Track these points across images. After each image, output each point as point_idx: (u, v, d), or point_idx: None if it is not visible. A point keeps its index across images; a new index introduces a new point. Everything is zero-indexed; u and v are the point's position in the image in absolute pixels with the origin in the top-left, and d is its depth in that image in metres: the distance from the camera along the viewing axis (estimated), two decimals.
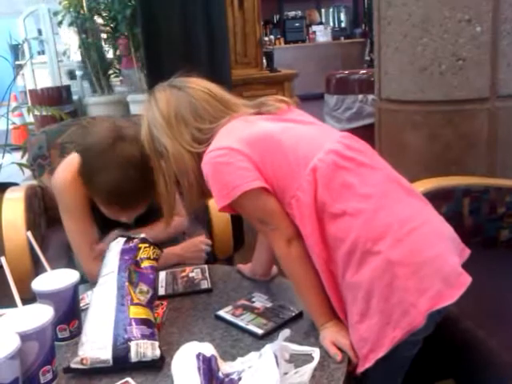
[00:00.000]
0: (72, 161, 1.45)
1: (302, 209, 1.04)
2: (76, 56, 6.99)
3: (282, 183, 1.06)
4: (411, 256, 0.99)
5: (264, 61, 4.62)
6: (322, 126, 1.20)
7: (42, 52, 7.39)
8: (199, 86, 1.18)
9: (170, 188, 1.18)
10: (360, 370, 1.00)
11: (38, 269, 1.31)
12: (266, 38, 8.18)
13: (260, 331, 1.10)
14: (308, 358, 1.00)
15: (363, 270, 0.99)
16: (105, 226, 1.43)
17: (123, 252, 1.16)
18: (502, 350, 1.16)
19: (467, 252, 1.10)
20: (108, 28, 6.27)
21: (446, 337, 1.30)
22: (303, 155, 1.06)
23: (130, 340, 1.01)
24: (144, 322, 1.05)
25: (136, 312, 1.06)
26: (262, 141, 1.09)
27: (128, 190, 1.26)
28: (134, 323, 1.04)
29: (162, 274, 1.38)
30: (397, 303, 0.97)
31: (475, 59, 1.97)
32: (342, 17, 11.42)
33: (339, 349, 1.02)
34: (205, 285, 1.34)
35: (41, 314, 0.96)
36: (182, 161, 1.13)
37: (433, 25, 2.00)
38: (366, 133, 2.68)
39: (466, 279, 1.00)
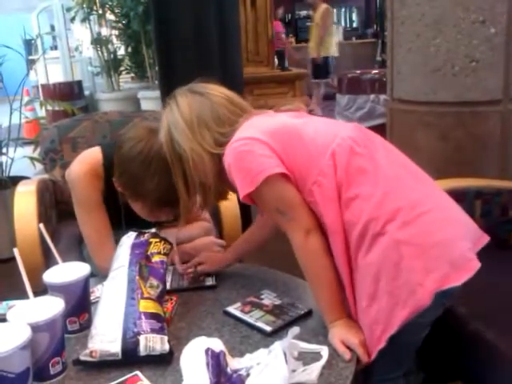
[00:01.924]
0: (89, 154, 1.46)
1: (324, 193, 1.05)
2: (88, 52, 7.04)
3: (303, 171, 1.08)
4: (418, 237, 1.01)
5: (276, 59, 4.63)
6: (336, 120, 1.23)
7: (54, 47, 7.43)
8: (218, 92, 1.20)
9: (189, 190, 1.20)
10: (373, 353, 1.01)
11: (48, 261, 1.32)
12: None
13: (268, 328, 1.10)
14: (316, 356, 1.00)
15: (372, 252, 1.01)
16: (128, 224, 1.43)
17: (134, 246, 1.17)
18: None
19: (485, 239, 1.11)
20: (120, 25, 6.30)
21: (455, 337, 1.30)
22: (322, 143, 1.09)
23: (139, 334, 1.01)
24: (153, 316, 1.06)
25: (146, 306, 1.06)
26: (282, 132, 1.12)
27: (174, 195, 1.26)
28: (143, 317, 1.04)
29: (170, 269, 1.39)
30: (404, 283, 0.99)
31: (489, 61, 1.96)
32: (354, 17, 11.40)
33: (348, 348, 1.02)
34: (210, 281, 1.34)
35: (52, 306, 0.97)
36: (202, 162, 1.14)
37: (446, 25, 1.99)
38: (377, 133, 2.67)
39: (475, 265, 1.01)
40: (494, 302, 1.34)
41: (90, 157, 1.44)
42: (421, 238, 1.01)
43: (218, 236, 1.68)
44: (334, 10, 11.05)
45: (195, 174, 1.16)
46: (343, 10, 11.30)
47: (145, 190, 1.31)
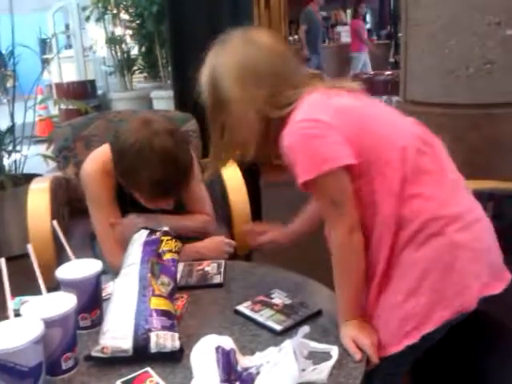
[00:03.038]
0: (101, 152, 1.48)
1: (386, 185, 1.04)
2: (102, 51, 7.08)
3: (370, 160, 1.05)
4: (474, 242, 1.05)
5: None
6: (394, 109, 1.19)
7: (69, 46, 7.49)
8: (279, 46, 1.13)
9: (223, 139, 1.14)
10: (398, 348, 1.03)
11: (61, 258, 1.33)
12: (291, 38, 8.18)
13: (279, 327, 1.10)
14: (326, 356, 1.00)
15: (424, 250, 1.03)
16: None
17: (146, 244, 1.18)
18: None
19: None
20: (134, 24, 6.34)
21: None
22: (391, 135, 1.08)
23: (150, 330, 1.02)
24: (164, 313, 1.06)
25: (157, 303, 1.07)
26: (350, 116, 1.08)
27: (172, 180, 1.34)
28: (154, 314, 1.05)
29: (180, 266, 1.39)
30: (453, 284, 1.02)
31: (504, 63, 1.94)
32: (368, 18, 11.34)
33: (359, 348, 1.02)
34: (217, 280, 1.35)
35: (64, 302, 0.98)
36: (246, 118, 1.09)
37: (461, 27, 1.98)
38: None
39: (508, 275, 1.07)
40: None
41: (101, 154, 1.46)
42: (477, 244, 1.05)
43: (227, 235, 1.68)
44: (348, 11, 11.05)
45: (236, 125, 1.11)
46: None
47: (139, 179, 1.34)
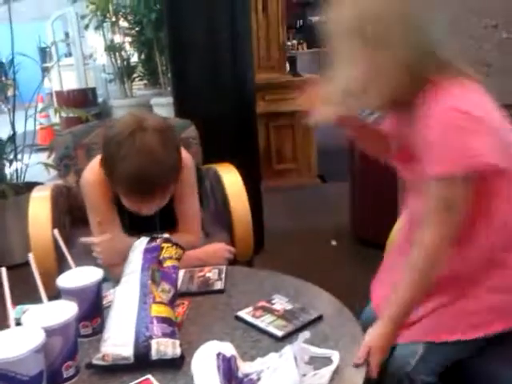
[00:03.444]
0: (99, 161, 1.48)
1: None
2: (102, 59, 7.11)
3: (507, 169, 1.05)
4: None
5: (287, 65, 4.63)
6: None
7: (68, 55, 7.51)
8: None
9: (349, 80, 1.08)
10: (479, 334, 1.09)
11: (62, 266, 1.33)
12: (289, 43, 8.19)
13: (280, 333, 1.10)
14: (327, 361, 1.00)
15: None
16: (132, 228, 1.45)
17: (146, 251, 1.18)
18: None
19: None
20: (133, 32, 6.35)
21: None
22: None
23: (151, 338, 1.02)
24: (165, 320, 1.07)
25: (158, 310, 1.07)
26: (499, 120, 1.07)
27: (147, 176, 1.30)
28: (155, 321, 1.05)
29: (180, 273, 1.39)
30: None
31: (500, 65, 1.95)
32: None
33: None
34: (218, 286, 1.35)
35: (65, 310, 0.98)
36: (391, 67, 1.04)
37: (458, 30, 1.98)
38: None
39: None
40: None
41: (97, 163, 1.46)
42: None
43: (228, 240, 1.69)
44: None
45: (374, 72, 1.05)
46: None
47: (116, 171, 1.33)
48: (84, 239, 1.40)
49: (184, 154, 1.47)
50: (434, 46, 1.06)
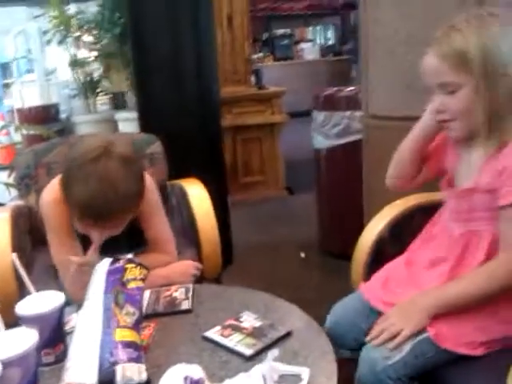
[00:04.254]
0: (59, 180, 1.44)
1: None
2: (65, 74, 7.00)
3: None
4: None
5: (253, 78, 4.65)
6: None
7: (31, 70, 7.37)
8: None
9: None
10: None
11: (24, 291, 1.28)
12: (256, 56, 8.25)
13: (248, 352, 1.08)
14: (297, 380, 0.98)
15: None
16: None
17: (109, 273, 1.14)
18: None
19: None
20: (97, 46, 6.29)
21: None
22: None
23: (116, 363, 0.99)
24: (130, 344, 1.03)
25: (122, 335, 1.04)
26: None
27: (102, 203, 1.25)
28: (120, 346, 1.02)
29: (146, 293, 1.36)
30: None
31: None
32: (331, 34, 11.55)
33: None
34: (185, 305, 1.32)
35: (24, 339, 0.94)
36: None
37: (418, 42, 2.02)
38: (354, 148, 2.70)
39: None
40: None
41: (58, 182, 1.41)
42: None
43: (195, 257, 1.66)
44: (310, 28, 11.23)
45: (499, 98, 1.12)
46: (319, 27, 11.46)
47: (72, 193, 1.29)
48: (75, 259, 1.35)
49: (146, 176, 1.44)
50: None
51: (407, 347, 1.15)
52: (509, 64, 1.11)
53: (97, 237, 1.36)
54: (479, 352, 1.15)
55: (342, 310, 1.40)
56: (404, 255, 1.41)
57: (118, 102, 6.17)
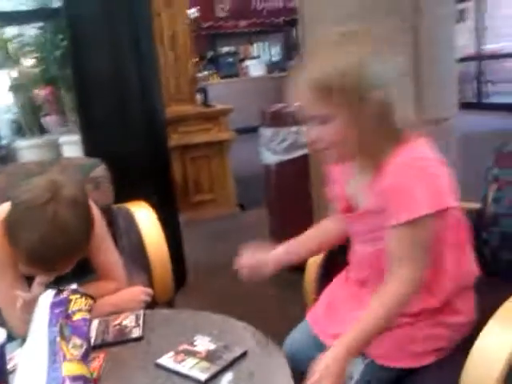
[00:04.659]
0: (2, 211, 1.38)
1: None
2: (4, 99, 6.79)
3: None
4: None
5: (199, 96, 4.65)
6: None
7: None
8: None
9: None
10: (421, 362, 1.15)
11: None
12: (201, 74, 8.27)
13: (203, 376, 1.06)
14: None
15: None
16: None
17: (53, 305, 1.10)
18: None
19: None
20: (38, 69, 6.15)
21: None
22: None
23: None
24: (79, 378, 1.00)
25: (70, 369, 1.00)
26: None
27: (51, 251, 1.21)
28: (68, 381, 0.98)
29: (94, 323, 1.31)
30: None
31: (400, 87, 2.05)
32: (275, 51, 11.73)
33: None
34: (136, 333, 1.28)
35: None
36: (365, 120, 1.09)
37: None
38: (302, 163, 2.73)
39: None
40: None
41: (1, 214, 1.35)
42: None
43: (146, 282, 1.62)
44: (255, 45, 11.37)
45: (349, 124, 1.10)
46: (264, 44, 11.63)
47: (18, 238, 1.24)
48: (23, 295, 1.28)
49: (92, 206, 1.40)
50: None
51: (356, 375, 1.15)
52: (371, 87, 1.07)
53: (44, 278, 1.31)
54: (428, 361, 1.16)
55: (296, 345, 1.38)
56: (344, 272, 1.42)
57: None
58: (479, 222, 1.52)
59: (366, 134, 1.11)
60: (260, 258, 1.37)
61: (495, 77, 9.30)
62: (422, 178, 1.07)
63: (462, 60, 8.26)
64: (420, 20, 2.03)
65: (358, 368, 1.16)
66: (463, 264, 1.23)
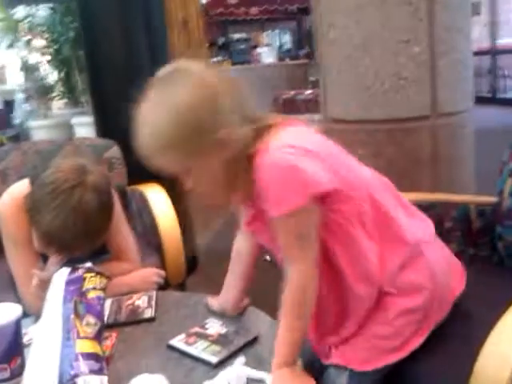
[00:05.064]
0: (18, 188, 1.39)
1: (364, 213, 1.08)
2: (18, 78, 6.81)
3: (344, 191, 1.05)
4: (443, 252, 1.26)
5: None
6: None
7: None
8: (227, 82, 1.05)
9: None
10: (381, 363, 1.11)
11: None
12: (213, 60, 8.24)
13: (214, 359, 1.07)
14: None
15: (410, 273, 1.13)
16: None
17: (68, 283, 1.10)
18: (428, 376, 1.14)
19: None
20: (51, 50, 6.15)
21: None
22: (359, 169, 1.14)
23: (76, 376, 0.95)
24: (92, 356, 1.00)
25: (83, 346, 1.01)
26: (329, 149, 1.09)
27: (67, 238, 1.22)
28: (80, 358, 0.98)
29: (107, 303, 1.32)
30: (437, 299, 1.15)
31: (415, 78, 2.04)
32: (287, 38, 11.66)
33: None
34: (148, 314, 1.29)
35: None
36: (207, 166, 1.03)
37: (373, 46, 2.06)
38: None
39: (462, 267, 1.29)
40: None
41: (18, 191, 1.37)
42: (445, 252, 1.25)
43: (159, 263, 1.63)
44: (266, 33, 11.31)
45: (200, 177, 1.04)
46: (276, 32, 11.56)
47: (39, 218, 1.24)
48: (38, 273, 1.29)
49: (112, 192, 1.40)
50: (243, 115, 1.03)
51: None
52: (205, 125, 0.99)
53: (58, 258, 1.32)
54: (412, 347, 1.12)
55: None
56: None
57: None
58: (494, 217, 1.52)
59: (224, 175, 1.05)
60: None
61: (510, 71, 9.20)
62: (282, 174, 0.98)
63: (476, 54, 8.17)
64: (435, 8, 2.01)
65: (342, 382, 1.12)
66: (388, 241, 1.11)
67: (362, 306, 1.12)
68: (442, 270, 1.16)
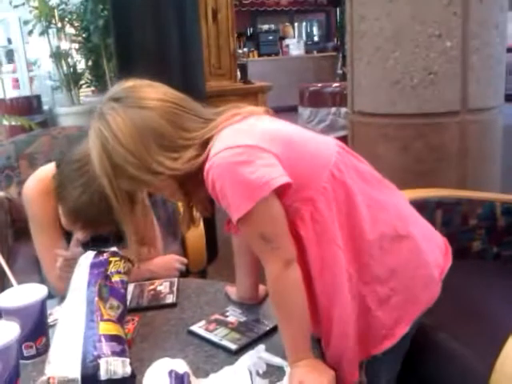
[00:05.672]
0: (45, 171, 1.42)
1: (330, 197, 1.00)
2: (47, 65, 6.91)
3: (303, 177, 1.00)
4: (424, 231, 1.15)
5: (238, 73, 4.63)
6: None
7: (11, 61, 7.26)
8: (160, 97, 1.06)
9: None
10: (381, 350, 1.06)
11: (4, 284, 1.26)
12: (240, 51, 8.24)
13: (234, 346, 1.08)
14: (281, 373, 0.98)
15: (391, 255, 1.06)
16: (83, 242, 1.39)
17: (93, 266, 1.13)
18: (477, 361, 1.16)
19: None
20: (80, 38, 6.22)
21: (421, 349, 1.30)
22: (317, 148, 1.06)
23: (99, 357, 0.97)
24: (114, 338, 1.02)
25: (106, 328, 1.03)
26: (276, 135, 1.02)
27: (93, 214, 1.25)
28: (103, 340, 1.00)
29: (130, 287, 1.35)
30: (421, 278, 1.08)
31: (446, 73, 2.01)
32: (315, 31, 11.58)
33: None
34: (170, 299, 1.31)
35: (5, 332, 0.92)
36: (157, 183, 1.04)
37: (404, 39, 2.03)
38: None
39: (446, 242, 1.20)
40: (459, 311, 1.35)
41: (45, 174, 1.40)
42: (427, 231, 1.16)
43: (180, 251, 1.65)
44: (296, 24, 11.24)
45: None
46: (304, 24, 11.48)
47: (65, 194, 1.28)
48: (62, 253, 1.32)
49: None
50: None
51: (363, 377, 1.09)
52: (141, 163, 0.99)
53: (82, 235, 1.34)
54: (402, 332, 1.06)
55: None
56: None
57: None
58: None
59: (182, 191, 1.07)
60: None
61: None
62: (224, 181, 0.94)
63: (509, 50, 7.99)
64: (470, 2, 1.97)
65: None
66: (361, 224, 1.04)
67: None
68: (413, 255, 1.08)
